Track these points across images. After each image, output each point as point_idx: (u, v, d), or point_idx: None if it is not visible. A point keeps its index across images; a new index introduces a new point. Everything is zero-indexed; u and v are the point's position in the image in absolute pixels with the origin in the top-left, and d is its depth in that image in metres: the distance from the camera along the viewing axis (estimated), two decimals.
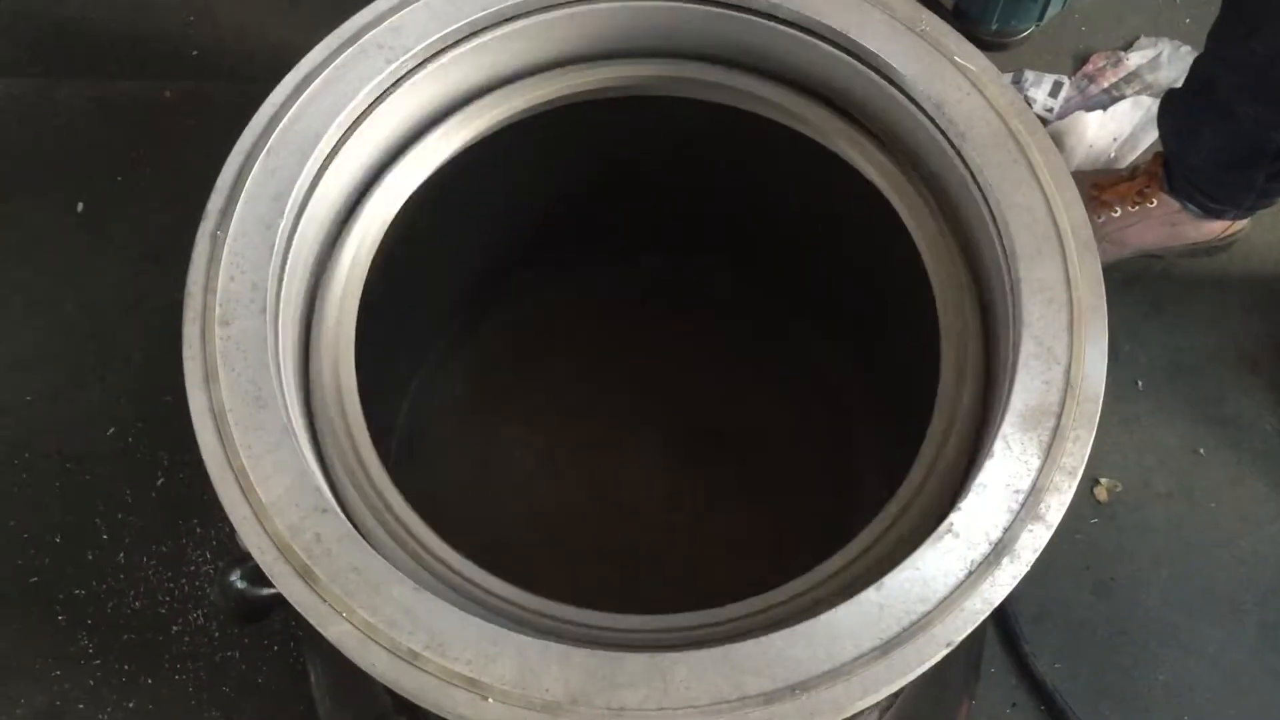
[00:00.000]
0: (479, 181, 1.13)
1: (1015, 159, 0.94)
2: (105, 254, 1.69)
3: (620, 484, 1.41)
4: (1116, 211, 1.61)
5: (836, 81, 1.05)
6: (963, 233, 1.01)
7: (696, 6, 1.04)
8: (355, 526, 0.85)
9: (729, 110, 1.11)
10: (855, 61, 1.01)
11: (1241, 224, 1.64)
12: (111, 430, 1.56)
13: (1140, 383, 1.61)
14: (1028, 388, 0.85)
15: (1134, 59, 1.85)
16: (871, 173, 1.05)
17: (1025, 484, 0.82)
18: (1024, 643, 1.43)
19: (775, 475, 1.40)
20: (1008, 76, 1.25)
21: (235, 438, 0.82)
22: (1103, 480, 1.54)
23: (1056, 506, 0.81)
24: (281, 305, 0.92)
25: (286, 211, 0.92)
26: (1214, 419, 1.59)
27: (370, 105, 0.99)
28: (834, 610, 0.78)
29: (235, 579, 0.88)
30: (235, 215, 0.91)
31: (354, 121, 0.98)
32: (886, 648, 0.76)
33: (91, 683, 1.42)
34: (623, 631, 0.84)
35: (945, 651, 0.76)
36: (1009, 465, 0.83)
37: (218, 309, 0.87)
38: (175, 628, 1.45)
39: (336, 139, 0.97)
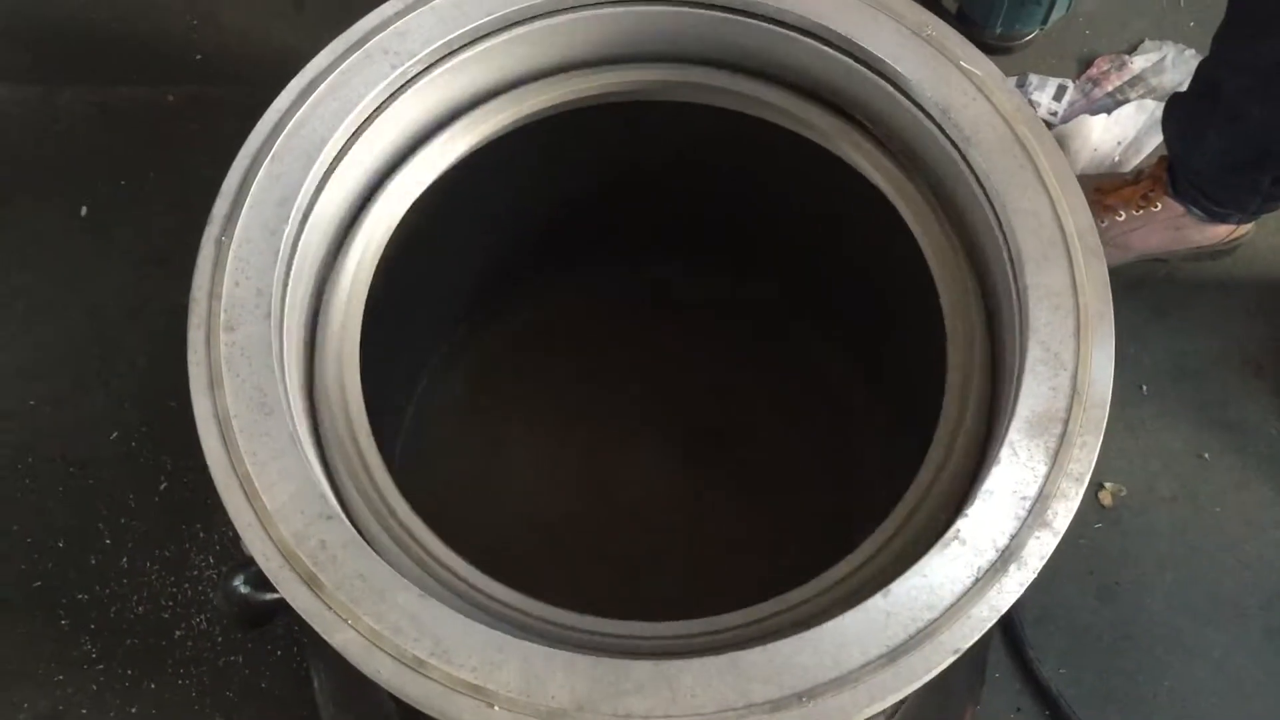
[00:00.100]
0: (484, 186, 1.13)
1: (1022, 164, 0.94)
2: (109, 258, 1.69)
3: (624, 487, 1.41)
4: (1120, 215, 1.61)
5: (842, 86, 1.05)
6: (968, 237, 1.01)
7: (701, 11, 1.04)
8: (360, 533, 0.85)
9: (734, 115, 1.11)
10: (861, 66, 1.01)
11: (1246, 228, 1.63)
12: (115, 435, 1.56)
13: (1144, 387, 1.61)
14: (1034, 393, 0.85)
15: (1138, 62, 1.84)
16: (877, 177, 1.05)
17: (1032, 491, 0.82)
18: (1028, 648, 1.43)
19: (780, 478, 1.40)
20: (1012, 80, 1.25)
21: (240, 444, 0.82)
22: (1107, 485, 1.54)
23: (1064, 513, 0.81)
24: (286, 310, 0.92)
25: (291, 216, 0.92)
26: (1218, 423, 1.59)
27: (375, 110, 0.99)
28: (841, 617, 0.77)
29: (238, 584, 0.87)
30: (240, 220, 0.91)
31: (359, 126, 0.98)
32: (894, 655, 0.76)
33: (94, 687, 1.42)
34: (628, 638, 0.84)
35: (952, 659, 0.76)
36: (1016, 472, 0.83)
37: (222, 314, 0.87)
38: (178, 632, 1.45)
39: (342, 144, 0.97)
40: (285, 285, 0.92)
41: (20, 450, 1.55)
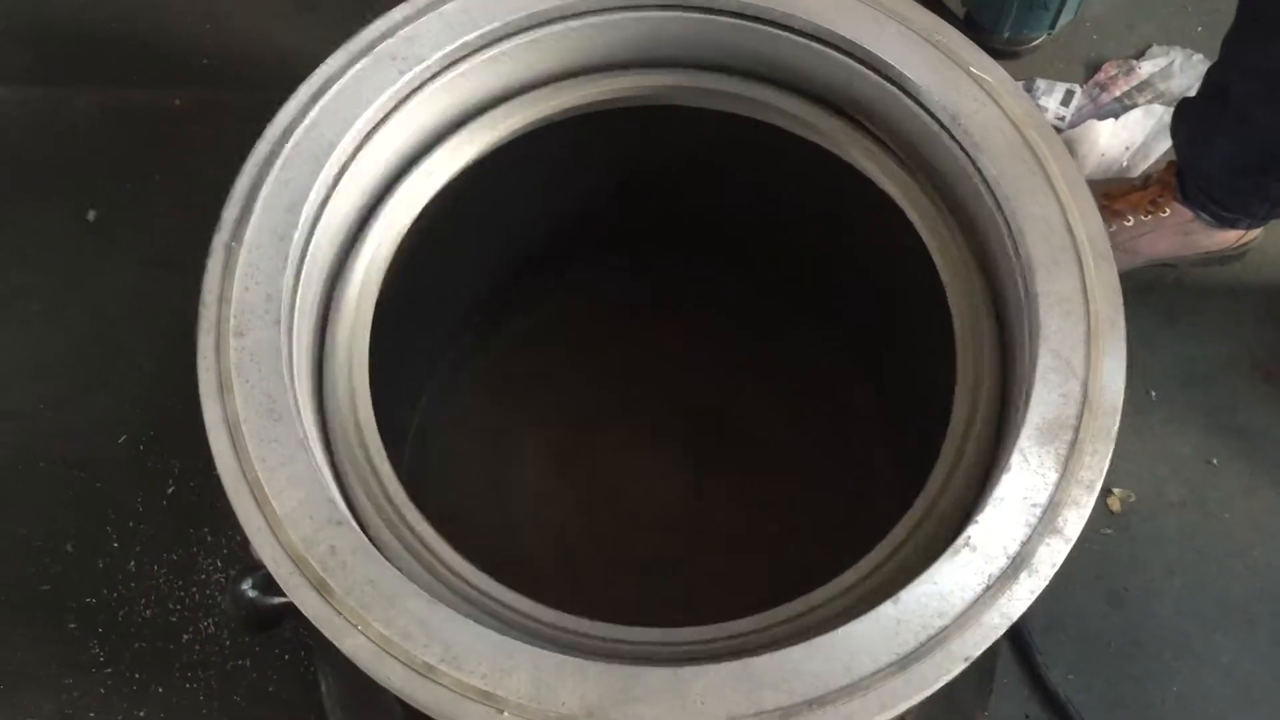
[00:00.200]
0: (493, 190, 1.13)
1: (1032, 170, 0.93)
2: (115, 260, 1.68)
3: (626, 488, 1.41)
4: (1129, 220, 1.60)
5: (852, 92, 1.04)
6: (978, 243, 1.01)
7: (712, 18, 1.04)
8: (370, 538, 0.85)
9: (744, 120, 1.11)
10: (871, 72, 1.01)
11: (1255, 233, 1.63)
12: (123, 438, 1.56)
13: (1153, 392, 1.60)
14: (1045, 400, 0.85)
15: (1146, 67, 1.84)
16: (886, 183, 1.05)
17: (1043, 498, 0.82)
18: (1037, 653, 1.43)
19: (782, 478, 1.40)
20: (1019, 85, 1.25)
21: (250, 450, 0.82)
22: (1116, 490, 1.53)
23: (1075, 520, 0.81)
24: (296, 316, 0.92)
25: (301, 222, 0.92)
26: (1227, 428, 1.59)
27: (385, 115, 0.99)
28: (851, 624, 0.77)
29: (246, 587, 0.87)
30: (250, 225, 0.91)
31: (369, 132, 0.98)
32: (904, 662, 0.76)
33: (102, 691, 1.42)
34: (639, 644, 0.84)
35: (963, 666, 0.76)
36: (1026, 478, 0.82)
37: (232, 320, 0.87)
38: (186, 636, 1.45)
39: (351, 149, 0.97)
40: (295, 290, 0.92)
41: (26, 453, 1.55)
